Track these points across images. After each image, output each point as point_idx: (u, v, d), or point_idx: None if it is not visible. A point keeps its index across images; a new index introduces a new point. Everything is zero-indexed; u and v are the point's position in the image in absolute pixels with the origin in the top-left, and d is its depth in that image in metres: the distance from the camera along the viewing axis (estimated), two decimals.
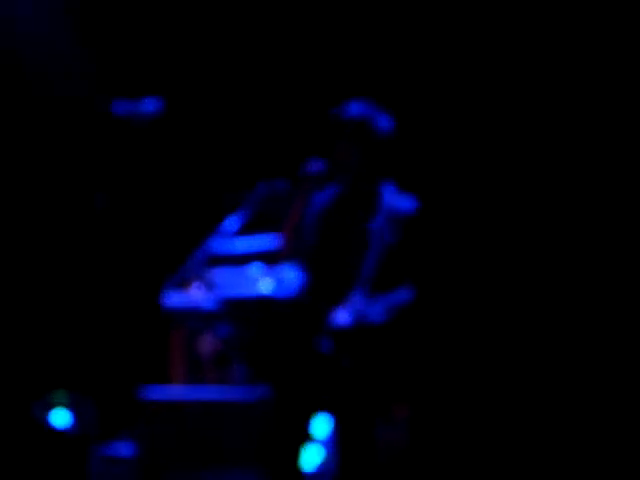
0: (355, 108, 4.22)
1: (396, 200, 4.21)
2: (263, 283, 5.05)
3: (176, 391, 5.28)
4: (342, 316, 3.97)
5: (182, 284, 5.25)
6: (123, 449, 5.15)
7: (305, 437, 4.02)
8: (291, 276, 4.70)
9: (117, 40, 6.33)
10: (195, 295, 5.20)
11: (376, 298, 4.04)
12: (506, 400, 5.45)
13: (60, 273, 6.03)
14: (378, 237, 4.08)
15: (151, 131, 4.17)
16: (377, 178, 4.25)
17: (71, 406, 5.37)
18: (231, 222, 5.06)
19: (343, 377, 3.98)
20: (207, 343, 5.51)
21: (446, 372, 5.50)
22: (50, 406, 5.39)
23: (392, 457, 4.44)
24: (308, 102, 5.91)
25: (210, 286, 5.23)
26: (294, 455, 3.95)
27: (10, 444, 4.52)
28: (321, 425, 4.38)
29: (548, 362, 5.48)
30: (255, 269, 5.12)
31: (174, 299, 5.39)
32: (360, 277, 4.03)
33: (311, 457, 4.42)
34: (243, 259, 5.22)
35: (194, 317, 5.31)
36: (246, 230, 5.14)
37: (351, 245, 4.12)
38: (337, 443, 4.00)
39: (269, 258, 5.12)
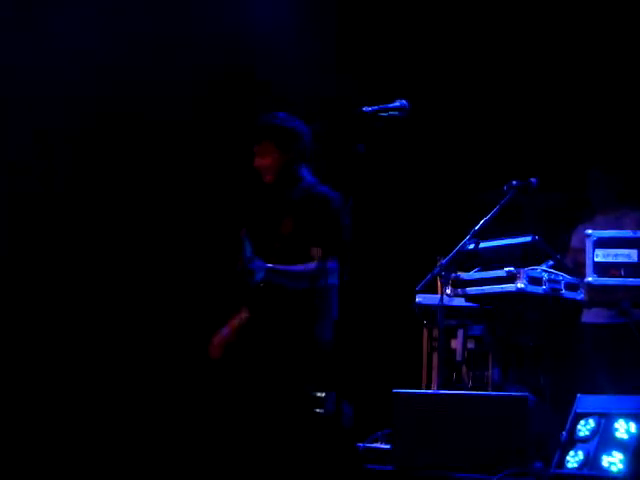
0: None
1: None
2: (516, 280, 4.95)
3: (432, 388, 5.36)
4: None
5: (434, 283, 5.30)
6: (380, 443, 5.24)
7: None
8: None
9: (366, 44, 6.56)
10: (447, 294, 5.22)
11: None
12: None
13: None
14: None
15: (397, 132, 4.29)
16: None
17: (331, 402, 5.52)
18: (483, 223, 5.07)
19: None
20: (460, 341, 5.56)
21: None
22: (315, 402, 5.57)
23: None
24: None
25: (462, 284, 5.24)
26: None
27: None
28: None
29: None
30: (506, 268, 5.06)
31: (426, 298, 5.46)
32: None
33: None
34: (493, 258, 5.21)
35: (447, 316, 5.33)
36: (494, 230, 5.14)
37: None
38: None
39: (519, 257, 5.09)
